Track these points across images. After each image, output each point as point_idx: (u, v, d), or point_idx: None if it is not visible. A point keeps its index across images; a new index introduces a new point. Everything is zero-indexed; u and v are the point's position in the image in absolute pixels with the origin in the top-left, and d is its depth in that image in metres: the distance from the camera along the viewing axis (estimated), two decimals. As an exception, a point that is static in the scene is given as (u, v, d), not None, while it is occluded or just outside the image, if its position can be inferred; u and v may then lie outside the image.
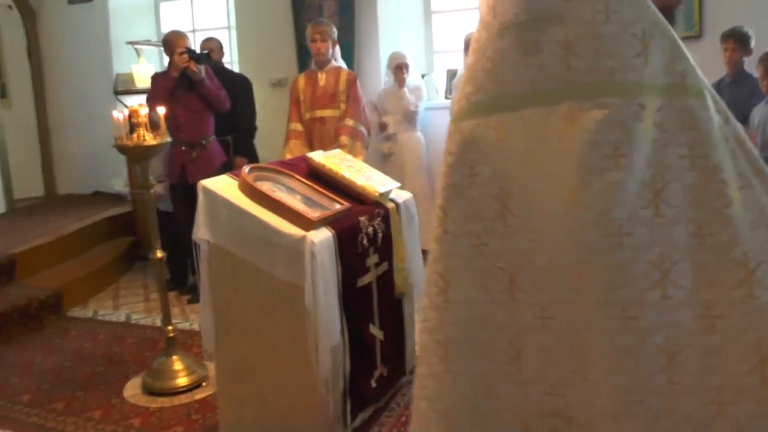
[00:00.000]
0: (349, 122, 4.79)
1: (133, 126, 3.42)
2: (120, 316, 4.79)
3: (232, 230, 2.63)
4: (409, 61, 5.60)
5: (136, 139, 3.37)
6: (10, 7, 7.01)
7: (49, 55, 7.28)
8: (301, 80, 4.86)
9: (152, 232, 3.62)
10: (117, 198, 6.75)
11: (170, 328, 3.63)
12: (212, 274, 2.74)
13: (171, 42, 4.74)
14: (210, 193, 2.67)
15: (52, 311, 4.75)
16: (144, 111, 3.34)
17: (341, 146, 4.68)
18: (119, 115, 3.35)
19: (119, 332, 4.48)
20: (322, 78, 4.78)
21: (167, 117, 4.52)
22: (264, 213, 2.58)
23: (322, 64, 4.79)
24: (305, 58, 5.64)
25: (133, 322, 4.68)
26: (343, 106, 4.77)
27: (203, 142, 4.84)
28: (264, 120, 5.70)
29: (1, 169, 6.69)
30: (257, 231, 2.56)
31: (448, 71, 6.00)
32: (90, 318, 4.80)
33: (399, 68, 5.52)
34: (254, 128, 5.55)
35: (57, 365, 3.96)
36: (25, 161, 7.25)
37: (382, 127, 5.61)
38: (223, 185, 2.73)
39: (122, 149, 3.40)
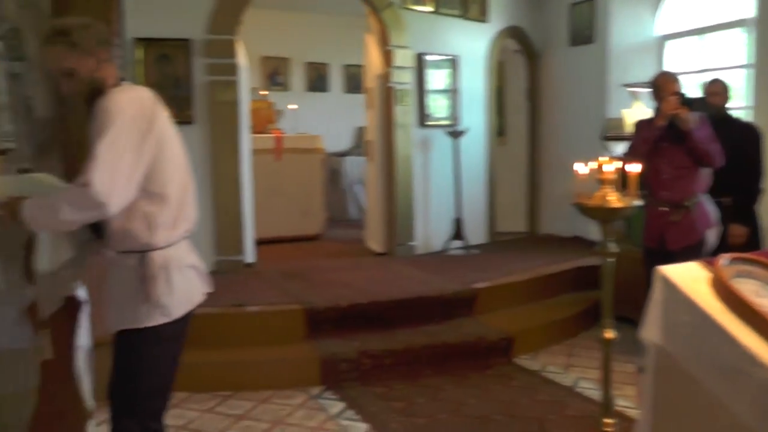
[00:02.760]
0: None
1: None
2: (566, 379, 4.41)
3: (690, 340, 1.97)
4: None
5: (598, 198, 2.93)
6: (517, 51, 7.37)
7: (546, 96, 7.43)
8: None
9: (606, 308, 3.14)
10: (594, 246, 6.43)
11: (608, 421, 3.08)
12: (657, 387, 2.12)
13: (658, 86, 4.12)
14: (670, 286, 2.06)
15: (500, 354, 4.68)
16: (610, 167, 2.87)
17: None
18: (583, 168, 2.97)
19: (561, 398, 4.10)
20: None
21: (647, 173, 3.96)
22: (739, 327, 1.85)
23: None
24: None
25: (578, 390, 4.24)
26: None
27: (687, 204, 4.10)
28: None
29: (489, 203, 7.06)
30: (724, 350, 1.85)
31: None
32: (536, 371, 4.56)
33: None
34: (758, 190, 4.52)
35: (487, 414, 3.83)
36: (512, 197, 7.56)
37: None
38: (689, 277, 2.07)
39: (580, 208, 3.00)
